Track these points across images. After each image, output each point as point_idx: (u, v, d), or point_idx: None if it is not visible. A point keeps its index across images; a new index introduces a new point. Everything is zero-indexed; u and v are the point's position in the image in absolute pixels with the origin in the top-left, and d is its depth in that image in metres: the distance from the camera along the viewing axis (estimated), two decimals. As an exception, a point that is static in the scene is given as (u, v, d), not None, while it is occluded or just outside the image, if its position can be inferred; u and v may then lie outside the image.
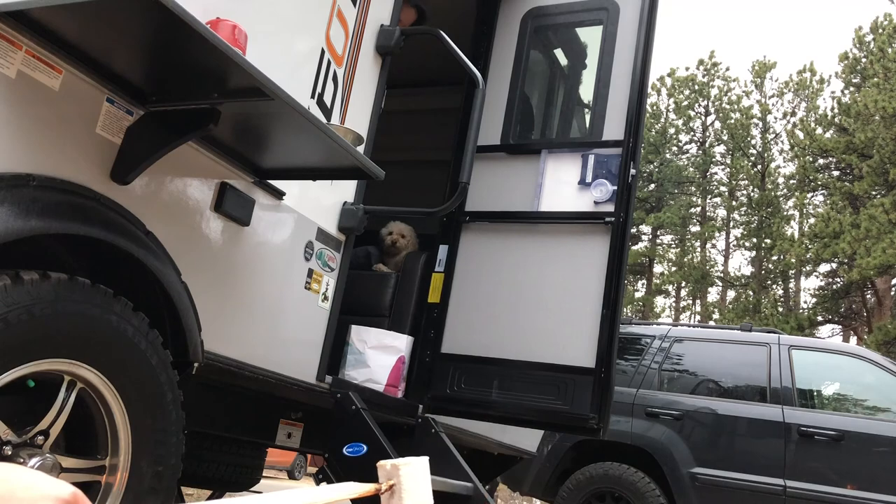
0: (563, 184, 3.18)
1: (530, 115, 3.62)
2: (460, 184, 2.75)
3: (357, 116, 2.68)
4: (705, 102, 28.90)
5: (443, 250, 3.32)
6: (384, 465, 1.25)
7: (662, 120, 28.17)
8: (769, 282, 25.00)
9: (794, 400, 5.42)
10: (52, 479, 0.78)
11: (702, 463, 5.33)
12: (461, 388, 3.11)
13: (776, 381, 5.51)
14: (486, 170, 3.27)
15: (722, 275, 27.19)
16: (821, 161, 21.24)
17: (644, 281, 28.07)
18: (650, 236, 28.22)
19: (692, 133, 28.77)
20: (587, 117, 3.53)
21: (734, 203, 27.26)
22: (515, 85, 3.40)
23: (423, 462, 1.27)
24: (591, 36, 3.41)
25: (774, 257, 24.03)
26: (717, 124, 28.59)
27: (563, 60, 3.70)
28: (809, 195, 22.63)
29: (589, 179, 3.12)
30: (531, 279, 3.10)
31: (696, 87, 28.78)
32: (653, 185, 27.17)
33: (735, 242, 27.53)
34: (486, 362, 3.09)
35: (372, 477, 1.28)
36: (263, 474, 3.30)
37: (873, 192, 18.35)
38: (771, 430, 5.29)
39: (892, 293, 19.45)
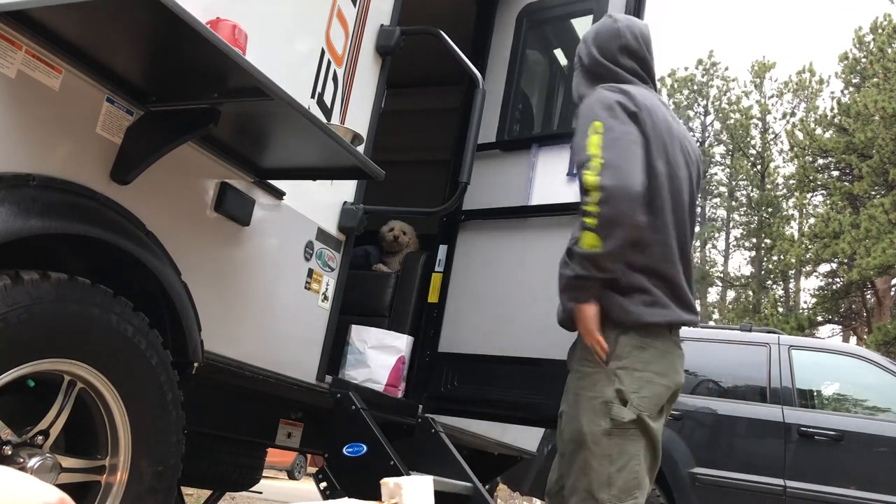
0: (552, 177, 3.16)
1: (527, 112, 3.62)
2: (460, 183, 2.76)
3: (357, 116, 2.69)
4: (704, 102, 28.95)
5: (442, 250, 3.32)
6: (387, 483, 1.26)
7: (662, 120, 28.19)
8: (769, 282, 25.01)
9: (794, 400, 5.42)
10: (39, 483, 0.78)
11: (702, 463, 5.33)
12: (455, 387, 3.11)
13: (776, 381, 5.51)
14: (481, 168, 3.26)
15: (722, 275, 27.21)
16: (820, 161, 21.22)
17: (644, 281, 28.03)
18: (650, 236, 28.20)
19: (692, 133, 28.78)
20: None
21: (734, 203, 27.29)
22: (511, 82, 3.40)
23: (426, 481, 1.28)
24: (583, 27, 3.40)
25: (774, 257, 24.04)
26: (717, 124, 28.61)
27: (562, 60, 3.70)
28: (809, 195, 22.61)
29: (575, 170, 3.10)
30: (528, 275, 3.08)
31: (696, 87, 28.82)
32: (653, 186, 27.15)
33: (735, 242, 27.58)
34: (483, 360, 3.08)
35: (371, 477, 1.28)
36: (263, 474, 3.30)
37: (873, 193, 18.35)
38: (771, 430, 5.29)
39: (892, 293, 19.45)
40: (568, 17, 3.53)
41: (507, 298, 3.10)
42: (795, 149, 21.94)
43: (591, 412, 2.12)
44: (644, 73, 2.31)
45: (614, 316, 2.14)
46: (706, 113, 28.90)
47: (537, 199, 3.16)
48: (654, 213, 2.15)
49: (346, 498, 1.45)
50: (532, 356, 2.93)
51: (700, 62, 28.99)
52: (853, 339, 20.87)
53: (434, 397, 3.13)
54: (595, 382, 2.15)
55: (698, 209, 2.56)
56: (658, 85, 2.44)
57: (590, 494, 2.08)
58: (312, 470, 3.10)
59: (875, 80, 18.93)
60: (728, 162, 27.89)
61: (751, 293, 24.47)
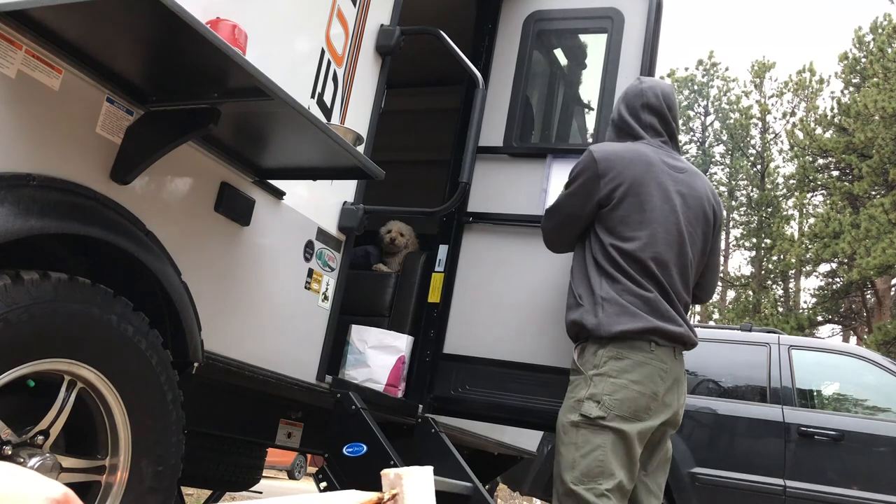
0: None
1: (533, 117, 3.61)
2: (460, 184, 2.75)
3: (357, 116, 2.69)
4: (705, 102, 28.95)
5: (442, 250, 3.31)
6: (388, 474, 1.25)
7: (662, 120, 28.17)
8: (769, 282, 24.99)
9: (794, 400, 5.42)
10: (44, 479, 0.78)
11: (702, 463, 5.33)
12: (465, 390, 3.10)
13: (776, 381, 5.51)
14: (488, 171, 3.26)
15: (722, 275, 27.17)
16: (820, 161, 21.21)
17: (644, 281, 27.99)
18: (650, 236, 28.16)
19: (692, 133, 28.80)
20: (588, 120, 3.53)
21: (734, 203, 27.27)
22: (518, 87, 3.37)
23: (426, 471, 1.27)
24: (595, 43, 3.38)
25: (774, 257, 24.02)
26: (717, 124, 28.62)
27: (563, 61, 3.69)
28: (809, 195, 22.60)
29: None
30: (535, 281, 3.09)
31: (696, 88, 28.83)
32: (653, 185, 27.12)
33: (735, 242, 27.54)
34: (490, 364, 3.07)
35: (371, 476, 1.28)
36: (263, 474, 3.30)
37: (873, 192, 18.35)
38: (771, 430, 5.29)
39: (892, 293, 19.45)
40: (580, 32, 3.51)
41: (521, 303, 3.09)
42: (795, 149, 21.95)
43: (566, 409, 2.45)
44: (662, 126, 2.66)
45: (590, 327, 2.43)
46: (706, 113, 28.90)
47: None
48: (627, 239, 2.50)
49: (346, 490, 1.45)
50: (543, 363, 2.94)
51: (700, 62, 28.99)
52: (853, 339, 20.87)
53: (443, 399, 3.13)
54: (575, 387, 2.47)
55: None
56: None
57: (559, 477, 2.37)
58: (312, 470, 3.10)
59: (875, 80, 18.92)
60: (728, 162, 27.88)
61: (751, 293, 24.44)
